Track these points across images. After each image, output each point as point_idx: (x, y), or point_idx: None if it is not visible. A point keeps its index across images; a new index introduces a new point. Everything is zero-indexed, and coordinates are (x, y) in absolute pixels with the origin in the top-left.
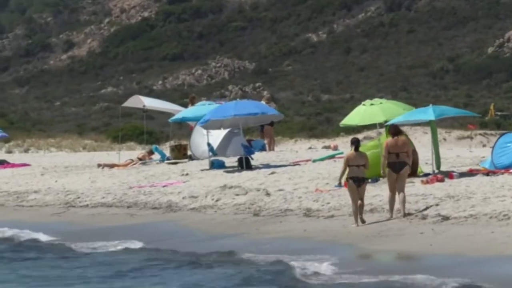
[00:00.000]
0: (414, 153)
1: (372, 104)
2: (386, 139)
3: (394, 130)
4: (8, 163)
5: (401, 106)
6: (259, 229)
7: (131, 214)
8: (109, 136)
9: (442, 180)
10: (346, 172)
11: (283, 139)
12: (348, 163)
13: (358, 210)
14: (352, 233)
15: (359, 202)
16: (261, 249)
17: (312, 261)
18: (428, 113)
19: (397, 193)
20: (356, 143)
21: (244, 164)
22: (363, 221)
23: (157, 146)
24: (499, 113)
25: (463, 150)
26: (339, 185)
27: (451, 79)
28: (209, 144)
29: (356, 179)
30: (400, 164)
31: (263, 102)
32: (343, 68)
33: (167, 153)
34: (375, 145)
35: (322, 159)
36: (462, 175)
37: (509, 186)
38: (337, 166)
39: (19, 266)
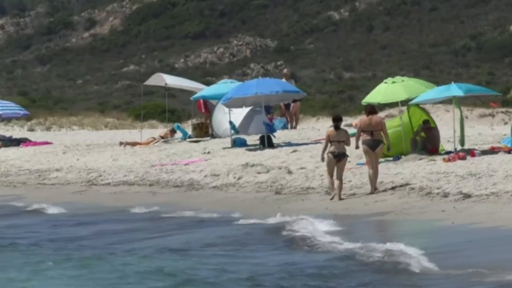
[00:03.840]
0: (435, 131)
1: (394, 82)
2: (404, 117)
3: (370, 109)
4: (30, 141)
5: (423, 84)
6: (281, 207)
7: (153, 192)
8: (131, 114)
9: (464, 158)
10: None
11: (305, 117)
12: (329, 139)
13: (337, 189)
14: (373, 211)
15: (337, 182)
16: None
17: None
18: (455, 89)
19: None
20: (336, 122)
21: (266, 142)
22: (340, 198)
23: (179, 124)
24: None
25: (485, 128)
26: (322, 160)
27: (474, 57)
28: (231, 122)
29: (336, 154)
30: (375, 142)
31: (283, 79)
32: (365, 46)
33: (189, 131)
34: (397, 123)
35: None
36: (483, 153)
37: None
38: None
39: None
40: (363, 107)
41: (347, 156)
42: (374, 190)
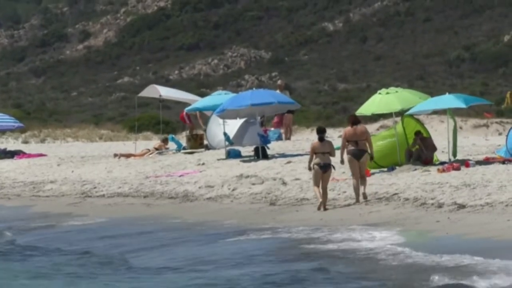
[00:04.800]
0: (430, 140)
1: (388, 93)
2: (398, 129)
3: (353, 119)
4: (24, 153)
5: (417, 94)
6: (275, 218)
7: (148, 204)
8: (126, 126)
9: (458, 169)
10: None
11: (300, 128)
12: (314, 150)
13: (323, 199)
14: (368, 221)
15: (322, 192)
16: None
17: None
18: (458, 101)
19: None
20: (320, 134)
21: (261, 154)
22: (325, 209)
23: (174, 135)
24: None
25: (479, 139)
26: (309, 169)
27: (467, 68)
28: (225, 134)
29: (322, 165)
30: (360, 152)
31: (278, 91)
32: (359, 57)
33: (184, 142)
34: (391, 134)
35: (338, 148)
36: (478, 163)
37: None
38: None
39: None
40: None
41: (333, 167)
42: (365, 198)
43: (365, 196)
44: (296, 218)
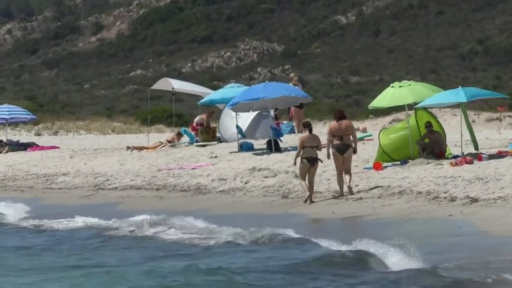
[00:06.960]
0: (437, 134)
1: (400, 86)
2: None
3: (339, 115)
4: (37, 145)
5: (429, 88)
6: (288, 212)
7: (160, 196)
8: (138, 119)
9: (471, 162)
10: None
11: (312, 121)
12: (303, 144)
13: (310, 192)
14: (381, 215)
15: (309, 185)
16: None
17: None
18: (460, 95)
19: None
20: (308, 126)
21: (273, 147)
22: (311, 201)
23: (186, 128)
24: None
25: (492, 132)
26: (294, 164)
27: (480, 61)
28: (238, 127)
29: (310, 159)
30: (345, 146)
31: (290, 84)
32: (372, 50)
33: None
34: (403, 127)
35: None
36: (491, 157)
37: None
38: (366, 148)
39: None
40: (370, 111)
41: (320, 160)
42: (351, 193)
43: (350, 191)
44: (308, 211)
